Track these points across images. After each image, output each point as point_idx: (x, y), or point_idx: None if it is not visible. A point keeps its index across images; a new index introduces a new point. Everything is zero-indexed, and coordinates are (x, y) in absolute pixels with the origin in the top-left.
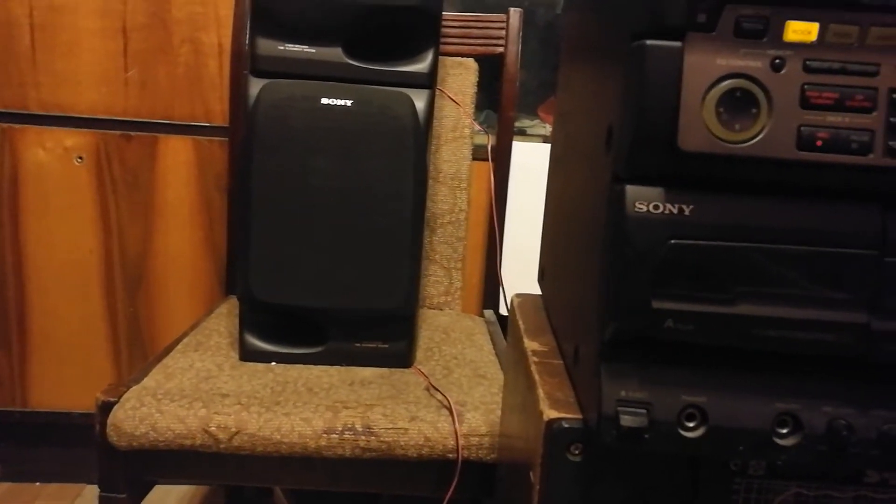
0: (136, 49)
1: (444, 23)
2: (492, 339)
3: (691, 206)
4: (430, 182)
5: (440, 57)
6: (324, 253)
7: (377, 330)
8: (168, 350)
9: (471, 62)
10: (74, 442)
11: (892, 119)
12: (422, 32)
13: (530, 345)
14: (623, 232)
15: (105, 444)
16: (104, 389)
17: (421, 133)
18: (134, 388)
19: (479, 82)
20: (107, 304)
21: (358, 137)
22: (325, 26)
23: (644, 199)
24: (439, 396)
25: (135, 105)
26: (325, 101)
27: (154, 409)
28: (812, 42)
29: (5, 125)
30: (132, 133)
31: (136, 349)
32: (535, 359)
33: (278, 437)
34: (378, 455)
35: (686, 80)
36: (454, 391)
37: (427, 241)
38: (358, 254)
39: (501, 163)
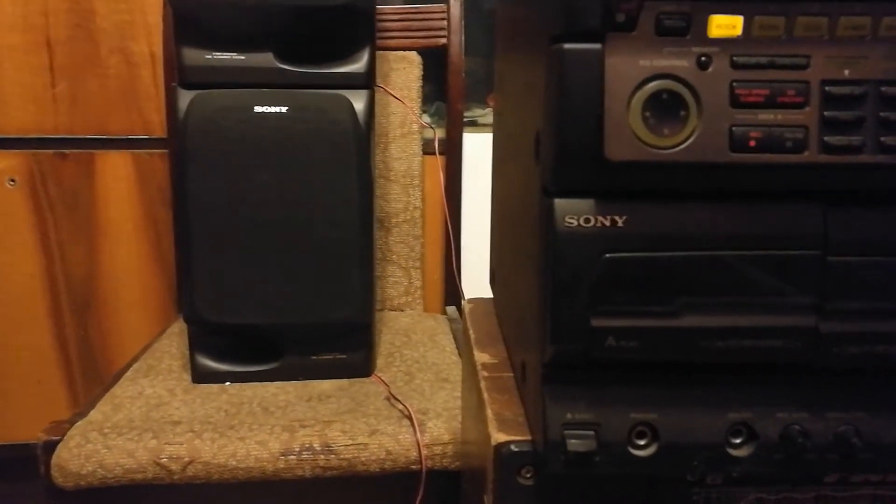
0: (62, 63)
1: (384, 16)
2: (454, 338)
3: (624, 218)
4: (382, 181)
5: (382, 52)
6: (270, 267)
7: (334, 341)
8: (117, 377)
9: (414, 55)
10: (32, 475)
11: (825, 113)
12: (356, 31)
13: (480, 357)
14: (555, 249)
15: (51, 485)
16: (46, 428)
17: (362, 135)
18: (79, 423)
19: (426, 74)
20: (55, 331)
21: (296, 145)
22: (254, 32)
23: (574, 213)
24: (400, 406)
25: (67, 122)
26: (258, 109)
27: (101, 445)
28: (738, 37)
29: None
30: (66, 151)
31: (91, 374)
32: (485, 373)
33: (234, 462)
34: (339, 473)
35: (609, 84)
36: (416, 398)
37: (383, 241)
38: (306, 265)
39: (453, 156)
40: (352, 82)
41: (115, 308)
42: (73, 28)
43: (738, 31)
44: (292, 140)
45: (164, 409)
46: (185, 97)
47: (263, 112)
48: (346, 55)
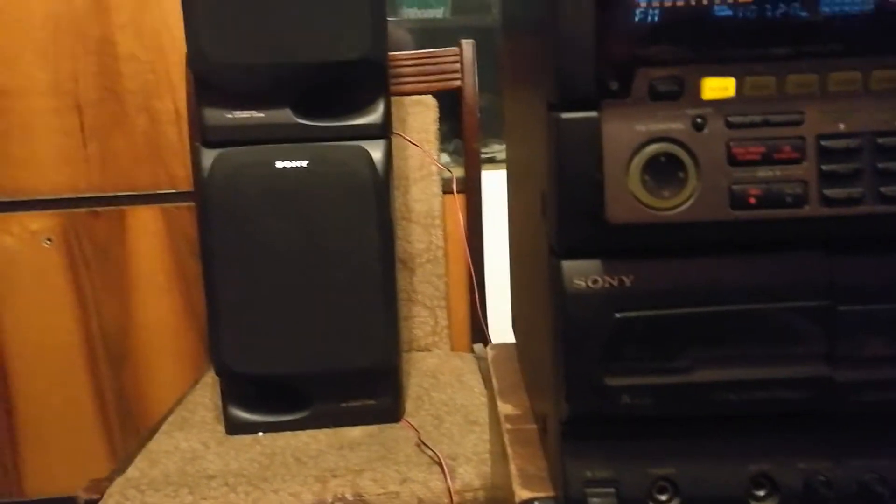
0: (92, 124)
1: (398, 62)
2: (482, 377)
3: (631, 277)
4: (404, 223)
5: (398, 97)
6: (296, 318)
7: (361, 387)
8: (153, 431)
9: (429, 99)
10: None
11: (823, 167)
12: (370, 83)
13: (503, 408)
14: (565, 310)
15: None
16: (85, 486)
17: (381, 184)
18: (117, 480)
19: (443, 111)
20: (92, 384)
21: (317, 197)
22: (272, 89)
23: (582, 275)
24: (430, 452)
25: (98, 180)
26: (279, 164)
27: (139, 503)
28: (731, 98)
29: None
30: (98, 209)
31: (128, 425)
32: (508, 425)
33: None
34: None
35: (607, 149)
36: (445, 443)
37: (407, 282)
38: (331, 314)
39: (472, 194)
40: (369, 133)
41: (150, 359)
42: (102, 90)
43: (731, 92)
44: (313, 193)
45: (199, 463)
46: (208, 156)
47: (284, 167)
48: (363, 106)
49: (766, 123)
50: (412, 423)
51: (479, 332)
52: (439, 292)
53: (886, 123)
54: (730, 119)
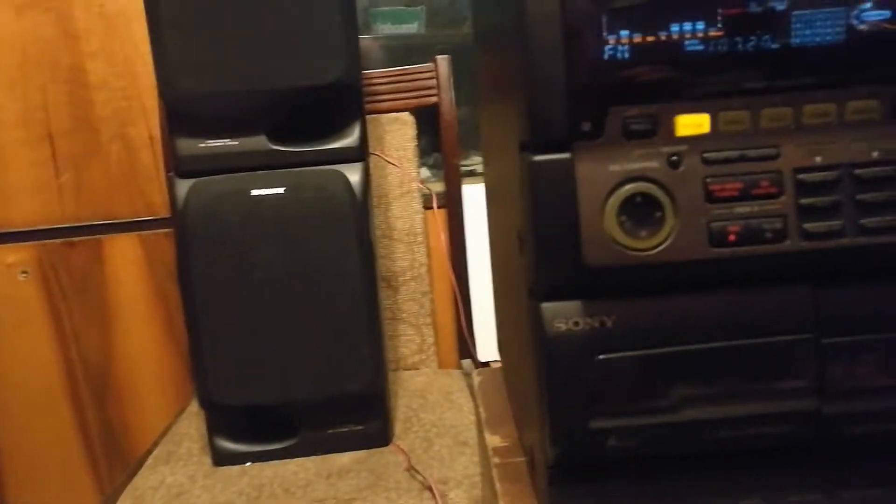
0: (65, 153)
1: (373, 80)
2: (471, 393)
3: (613, 318)
4: (386, 241)
5: (374, 116)
6: (279, 346)
7: (349, 413)
8: (138, 465)
9: (406, 116)
10: None
11: (801, 201)
12: (345, 106)
13: (491, 440)
14: (547, 354)
15: None
16: None
17: (360, 207)
18: None
19: (421, 125)
20: (76, 416)
21: (295, 223)
22: (246, 117)
23: (562, 316)
24: (420, 478)
25: (73, 210)
26: (255, 192)
27: None
28: (706, 134)
29: None
30: (74, 239)
31: (114, 456)
32: (496, 459)
33: None
34: None
35: (581, 191)
36: (436, 467)
37: (392, 300)
38: (314, 341)
39: (454, 209)
40: (346, 156)
41: (134, 388)
42: (74, 119)
43: (706, 128)
44: (291, 219)
45: (186, 499)
46: (182, 186)
47: (261, 195)
48: (338, 130)
49: (743, 159)
50: (402, 446)
51: (466, 347)
52: (424, 310)
53: (863, 154)
54: (705, 156)
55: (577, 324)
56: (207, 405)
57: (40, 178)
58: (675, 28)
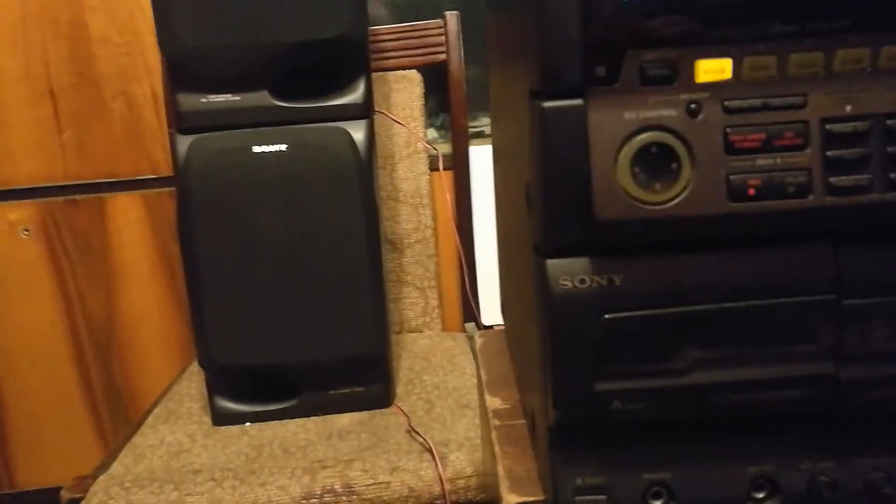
0: (67, 110)
1: (381, 36)
2: (474, 357)
3: (621, 276)
4: (391, 203)
5: (381, 73)
6: (280, 306)
7: (350, 375)
8: (139, 424)
9: (414, 74)
10: None
11: (828, 153)
12: (350, 61)
13: (492, 402)
14: (551, 313)
15: None
16: (70, 485)
17: (364, 166)
18: (101, 477)
19: (429, 84)
20: (80, 375)
21: (298, 182)
22: (248, 72)
23: (568, 274)
24: (421, 439)
25: (75, 168)
26: (256, 149)
27: (123, 501)
28: (728, 80)
29: None
30: (77, 197)
31: (118, 413)
32: (496, 421)
33: None
34: None
35: (593, 140)
36: (437, 429)
37: (396, 263)
38: (316, 302)
39: (460, 171)
40: (350, 113)
41: (137, 347)
42: (76, 76)
43: (728, 74)
44: (293, 177)
45: (185, 457)
46: (183, 142)
47: (262, 152)
48: (343, 86)
49: (767, 108)
50: (403, 408)
51: (470, 311)
52: (429, 272)
53: None
54: (727, 104)
55: (583, 281)
56: (207, 365)
57: (42, 136)
58: None
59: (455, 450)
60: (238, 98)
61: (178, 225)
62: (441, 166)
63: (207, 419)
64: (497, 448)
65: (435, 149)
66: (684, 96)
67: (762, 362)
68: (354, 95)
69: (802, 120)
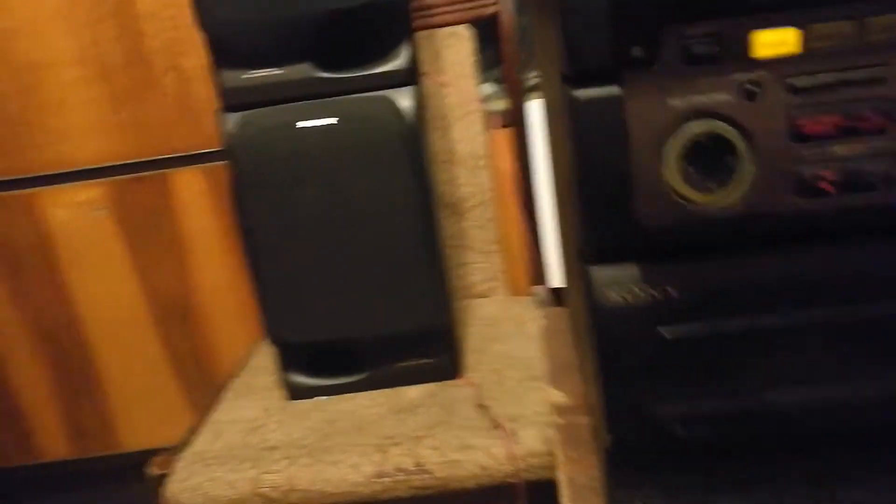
0: (121, 89)
1: None
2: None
3: (677, 285)
4: (448, 166)
5: (430, 31)
6: (340, 282)
7: (417, 347)
8: (219, 397)
9: (463, 30)
10: None
11: None
12: (392, 26)
13: (554, 395)
14: (600, 328)
15: None
16: (156, 461)
17: (412, 134)
18: (184, 455)
19: (484, 37)
20: (164, 344)
21: (346, 155)
22: (289, 44)
23: (617, 285)
24: (491, 414)
25: (136, 146)
26: (301, 125)
27: (205, 478)
28: (793, 54)
29: (17, 192)
30: (141, 174)
31: (203, 378)
32: (560, 419)
33: (330, 488)
34: (434, 492)
35: (635, 133)
36: (507, 403)
37: (457, 227)
38: (375, 276)
39: (518, 129)
40: (395, 80)
41: (214, 317)
42: (126, 53)
43: (792, 46)
44: (341, 151)
45: (261, 433)
46: (229, 121)
47: (307, 127)
48: (386, 52)
49: (842, 84)
50: (472, 379)
51: (537, 273)
52: (491, 235)
53: None
54: (792, 82)
55: (634, 293)
56: (276, 342)
57: (100, 116)
58: None
59: (527, 426)
60: (281, 71)
61: (232, 204)
62: (499, 124)
63: (282, 393)
64: (559, 452)
65: (493, 100)
66: (739, 76)
67: (848, 380)
68: (399, 61)
69: (887, 97)
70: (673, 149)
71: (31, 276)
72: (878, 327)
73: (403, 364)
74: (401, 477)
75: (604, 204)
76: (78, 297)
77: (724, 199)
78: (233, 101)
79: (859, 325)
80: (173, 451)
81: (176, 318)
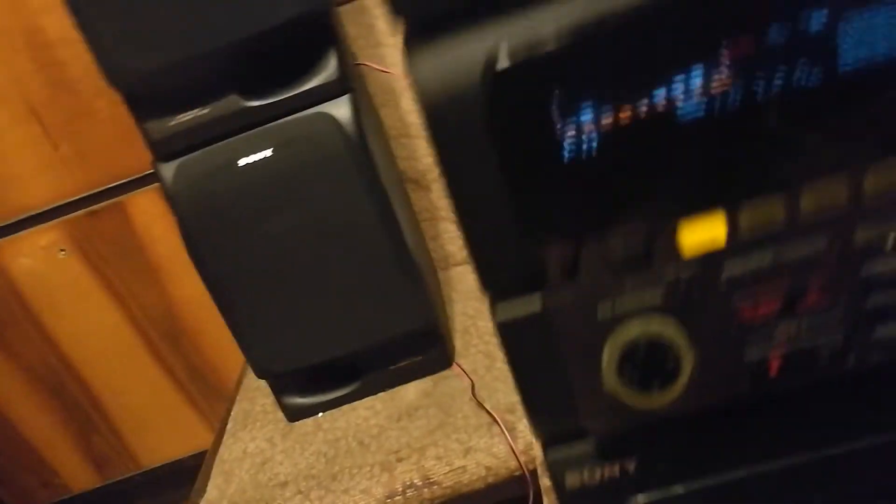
0: (53, 123)
1: None
2: None
3: (636, 456)
4: (405, 140)
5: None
6: (315, 306)
7: (406, 348)
8: (222, 429)
9: None
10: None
11: (868, 305)
12: (315, 37)
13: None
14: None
15: None
16: None
17: (355, 144)
18: None
19: None
20: (160, 364)
21: (294, 182)
22: (208, 80)
23: (575, 466)
24: (487, 407)
25: (83, 179)
26: (242, 162)
27: None
28: (724, 242)
29: None
30: (95, 206)
31: (210, 392)
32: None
33: None
34: (446, 500)
35: (567, 349)
36: (501, 391)
37: (426, 200)
38: (351, 292)
39: None
40: (329, 93)
41: (203, 328)
42: (50, 85)
43: (722, 237)
44: (288, 178)
45: (270, 468)
46: (166, 170)
47: (248, 163)
48: (314, 66)
49: (777, 266)
50: (464, 366)
51: None
52: None
53: None
54: (726, 272)
55: (593, 473)
56: (262, 375)
57: (39, 155)
58: (658, 92)
59: (523, 416)
60: (208, 110)
61: (187, 251)
62: None
63: (281, 415)
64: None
65: None
66: (669, 274)
67: None
68: (328, 72)
69: (829, 269)
70: (610, 357)
71: (12, 328)
72: (837, 469)
73: (395, 366)
74: (411, 493)
75: (551, 412)
76: (63, 339)
77: (668, 396)
78: (164, 150)
79: (820, 468)
80: (189, 502)
81: (166, 337)
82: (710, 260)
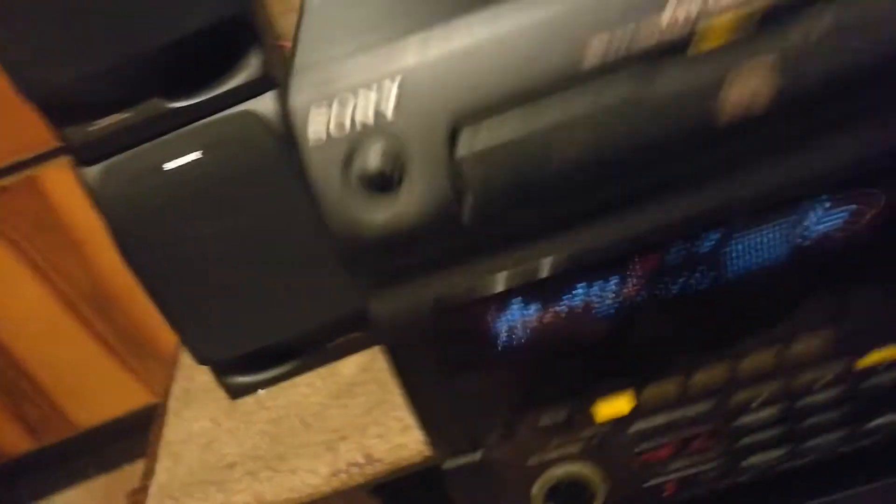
0: None
1: None
2: None
3: None
4: None
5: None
6: (252, 296)
7: (345, 326)
8: (163, 411)
9: None
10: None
11: (739, 444)
12: (236, 37)
13: None
14: None
15: None
16: (127, 501)
17: (283, 139)
18: (151, 491)
19: None
20: (90, 332)
21: (223, 181)
22: (128, 85)
23: None
24: None
25: None
26: (168, 166)
27: None
28: (629, 413)
29: None
30: (5, 181)
31: (143, 354)
32: None
33: (295, 495)
34: (388, 474)
35: (502, 486)
36: None
37: None
38: (286, 281)
39: None
40: (254, 89)
41: (133, 296)
42: None
43: (629, 407)
44: (217, 179)
45: (216, 448)
46: (89, 175)
47: (174, 167)
48: (237, 62)
49: (672, 423)
50: None
51: None
52: None
53: (804, 388)
54: (632, 429)
55: None
56: (202, 362)
57: None
58: (577, 293)
59: None
60: (130, 114)
61: (118, 252)
62: None
63: (222, 393)
64: None
65: None
66: (586, 433)
67: None
68: (251, 69)
69: (711, 425)
70: (537, 493)
71: None
72: None
73: (333, 343)
74: (355, 470)
75: None
76: None
77: None
78: (85, 156)
79: None
80: (141, 489)
81: (94, 306)
82: (619, 422)
